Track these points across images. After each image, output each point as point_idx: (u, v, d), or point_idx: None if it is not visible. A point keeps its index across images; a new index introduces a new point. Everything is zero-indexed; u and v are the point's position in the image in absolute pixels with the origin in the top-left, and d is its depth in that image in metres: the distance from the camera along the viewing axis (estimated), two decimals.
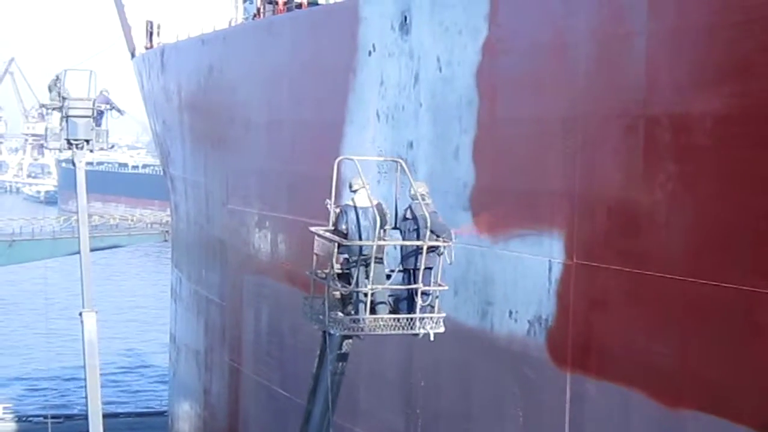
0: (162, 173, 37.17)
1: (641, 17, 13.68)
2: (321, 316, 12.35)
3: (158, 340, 53.18)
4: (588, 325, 14.58)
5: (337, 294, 12.37)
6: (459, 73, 16.98)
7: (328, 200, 12.70)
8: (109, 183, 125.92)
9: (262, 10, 26.55)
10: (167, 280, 37.24)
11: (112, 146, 28.77)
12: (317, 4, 23.99)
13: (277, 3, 25.58)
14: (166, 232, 51.23)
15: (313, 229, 12.80)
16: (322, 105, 21.64)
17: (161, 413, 40.09)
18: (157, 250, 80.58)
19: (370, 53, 19.48)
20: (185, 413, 31.84)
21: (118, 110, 24.92)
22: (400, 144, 18.54)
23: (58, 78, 23.32)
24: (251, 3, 28.19)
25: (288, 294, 22.24)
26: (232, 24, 29.30)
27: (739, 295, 12.23)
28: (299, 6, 24.53)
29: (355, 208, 12.37)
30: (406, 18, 18.31)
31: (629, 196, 13.81)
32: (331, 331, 12.21)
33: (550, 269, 15.04)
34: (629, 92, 13.82)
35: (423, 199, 12.44)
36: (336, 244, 12.12)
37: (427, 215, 12.10)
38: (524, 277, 15.59)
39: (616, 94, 14.06)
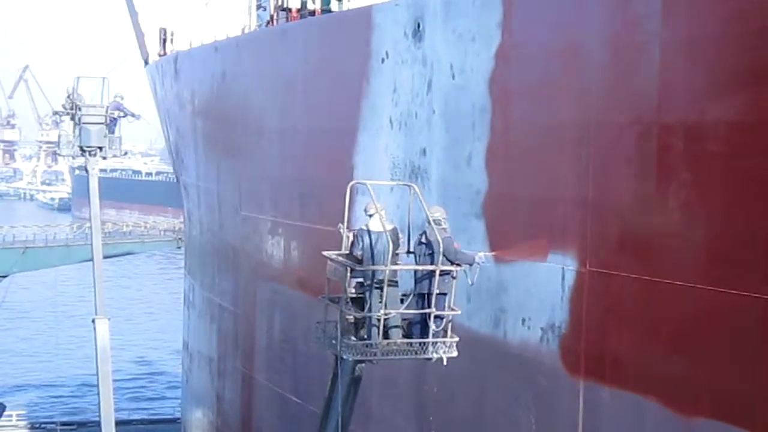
0: (175, 180, 37.21)
1: (655, 24, 13.64)
2: (334, 341, 12.33)
3: (171, 347, 53.26)
4: (601, 332, 14.52)
5: (350, 318, 12.36)
6: (472, 80, 16.96)
7: (340, 224, 12.73)
8: (123, 190, 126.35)
9: (275, 17, 26.54)
10: (180, 287, 37.27)
11: (125, 153, 28.81)
12: (330, 11, 23.98)
13: (290, 10, 25.57)
14: (180, 239, 51.30)
15: (325, 253, 12.79)
16: (336, 112, 21.63)
17: (174, 420, 40.19)
18: (170, 257, 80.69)
19: (383, 60, 19.46)
20: (198, 420, 31.83)
21: (132, 115, 24.93)
22: (413, 151, 18.52)
23: (72, 91, 23.42)
24: (264, 10, 28.20)
25: (301, 301, 22.23)
26: (246, 31, 29.30)
27: (754, 303, 12.18)
28: (312, 13, 24.52)
29: (369, 232, 12.37)
30: (419, 25, 18.29)
31: (643, 203, 13.76)
32: (344, 356, 12.19)
33: (563, 276, 14.99)
34: (643, 100, 13.78)
35: (439, 224, 12.43)
36: (348, 269, 12.14)
37: (441, 240, 12.09)
38: (537, 284, 15.55)
39: (630, 102, 14.02)
